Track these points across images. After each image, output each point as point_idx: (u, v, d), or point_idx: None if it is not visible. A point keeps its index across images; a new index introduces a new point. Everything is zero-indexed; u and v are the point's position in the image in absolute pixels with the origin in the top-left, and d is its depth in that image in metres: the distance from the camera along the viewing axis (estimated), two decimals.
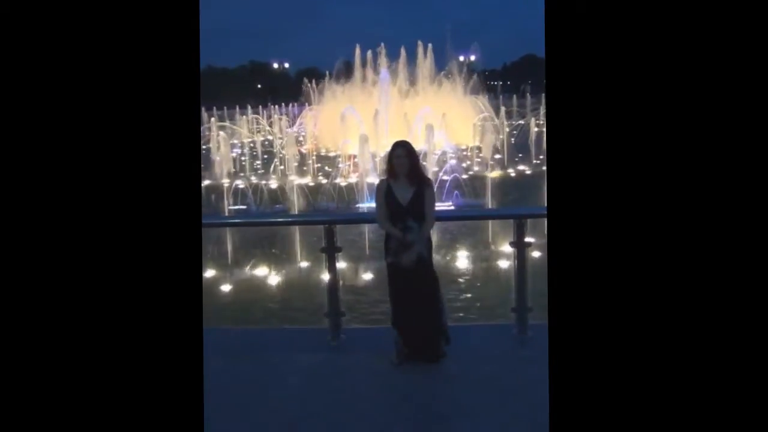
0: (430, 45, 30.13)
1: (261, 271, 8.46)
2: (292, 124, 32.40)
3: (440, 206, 12.74)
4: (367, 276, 7.94)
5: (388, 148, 4.39)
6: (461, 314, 6.45)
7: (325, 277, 4.96)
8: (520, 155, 21.80)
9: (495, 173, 17.89)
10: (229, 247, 8.96)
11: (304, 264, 8.65)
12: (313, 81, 34.34)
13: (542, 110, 29.30)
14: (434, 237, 5.11)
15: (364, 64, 30.13)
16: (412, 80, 30.05)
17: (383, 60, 28.71)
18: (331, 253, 4.78)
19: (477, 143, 22.40)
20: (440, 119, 22.01)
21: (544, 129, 18.98)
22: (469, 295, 7.23)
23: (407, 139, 4.62)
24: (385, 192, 4.18)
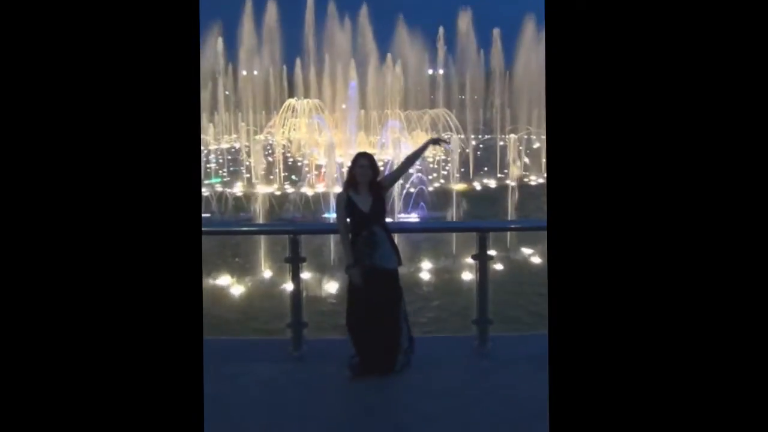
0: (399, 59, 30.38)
1: (223, 280, 8.35)
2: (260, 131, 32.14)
3: (405, 218, 12.82)
4: (332, 287, 7.92)
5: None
6: (423, 325, 6.49)
7: (289, 287, 4.94)
8: (485, 169, 22.11)
9: (460, 186, 18.10)
10: None
11: (267, 274, 8.58)
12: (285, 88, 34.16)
13: (507, 126, 29.78)
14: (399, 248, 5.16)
15: (333, 72, 30.14)
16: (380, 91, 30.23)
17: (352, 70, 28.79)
18: (295, 263, 4.77)
19: (443, 156, 22.64)
20: (407, 131, 22.19)
21: (509, 144, 19.32)
22: (431, 307, 7.29)
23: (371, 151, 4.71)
24: (345, 204, 4.22)
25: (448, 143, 4.35)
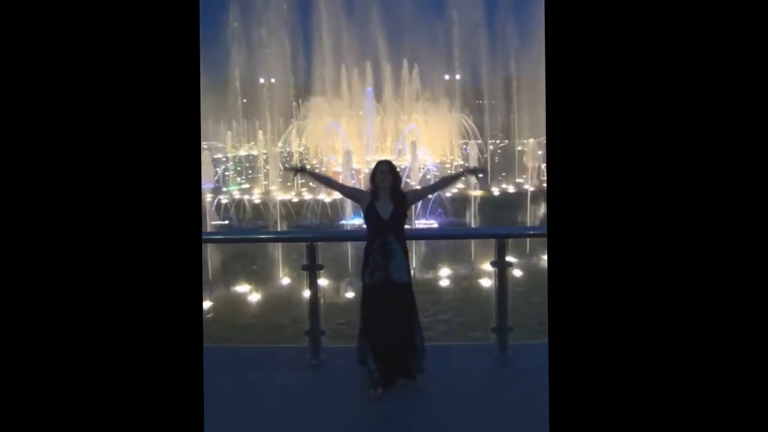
0: (416, 64, 30.40)
1: (241, 288, 8.37)
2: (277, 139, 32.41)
3: (423, 224, 12.78)
4: (349, 294, 7.90)
5: (372, 165, 4.47)
6: (442, 333, 6.43)
7: (306, 294, 4.92)
8: (503, 174, 22.01)
9: (478, 192, 18.01)
10: (209, 263, 8.87)
11: (285, 281, 8.59)
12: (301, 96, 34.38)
13: (526, 131, 29.62)
14: (416, 255, 5.14)
15: (349, 81, 30.25)
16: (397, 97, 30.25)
17: (368, 77, 28.87)
18: (312, 270, 4.75)
19: (460, 161, 22.60)
20: (424, 136, 22.19)
21: (527, 149, 19.21)
22: (449, 314, 7.23)
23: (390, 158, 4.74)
24: (367, 205, 4.22)
25: (481, 174, 4.76)
